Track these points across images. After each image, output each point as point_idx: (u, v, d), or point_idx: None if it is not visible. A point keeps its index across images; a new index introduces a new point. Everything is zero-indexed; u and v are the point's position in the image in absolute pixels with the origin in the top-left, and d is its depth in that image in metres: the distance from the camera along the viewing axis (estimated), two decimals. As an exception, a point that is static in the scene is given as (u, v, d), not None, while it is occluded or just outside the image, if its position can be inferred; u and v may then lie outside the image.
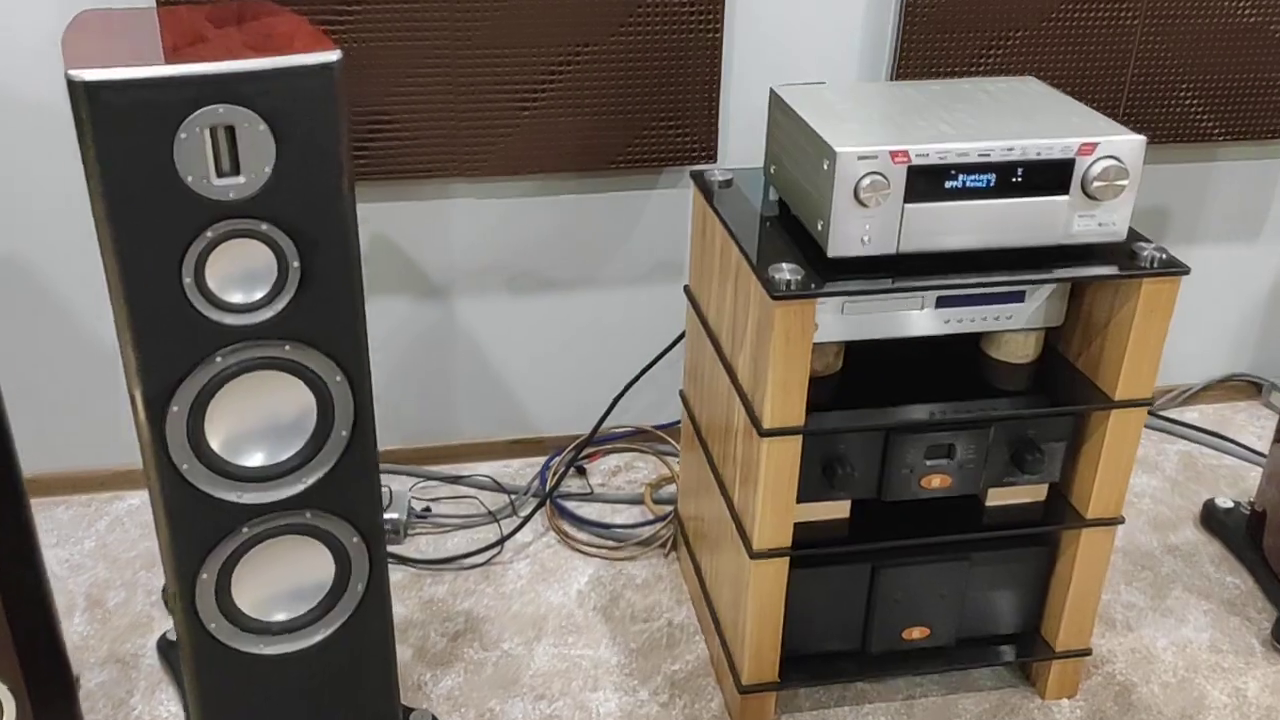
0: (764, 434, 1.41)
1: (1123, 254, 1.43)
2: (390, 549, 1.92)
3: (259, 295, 1.17)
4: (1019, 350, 1.56)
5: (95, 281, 1.93)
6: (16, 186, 1.85)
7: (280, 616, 1.34)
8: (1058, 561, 1.63)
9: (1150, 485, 2.17)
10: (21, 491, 1.39)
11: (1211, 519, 2.04)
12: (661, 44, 1.89)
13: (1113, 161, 1.36)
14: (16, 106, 1.80)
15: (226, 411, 1.22)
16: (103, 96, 1.04)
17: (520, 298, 2.09)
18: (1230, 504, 2.04)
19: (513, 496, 2.08)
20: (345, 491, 1.31)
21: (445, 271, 2.04)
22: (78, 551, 1.94)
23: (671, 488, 2.13)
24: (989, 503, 1.59)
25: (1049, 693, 1.69)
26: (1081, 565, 1.60)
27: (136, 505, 2.06)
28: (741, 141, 2.03)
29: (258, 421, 1.24)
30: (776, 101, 1.53)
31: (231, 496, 1.25)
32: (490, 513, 2.03)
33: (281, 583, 1.33)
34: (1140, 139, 1.37)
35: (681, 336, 1.86)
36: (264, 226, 1.14)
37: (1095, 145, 1.36)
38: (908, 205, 1.36)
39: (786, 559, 1.51)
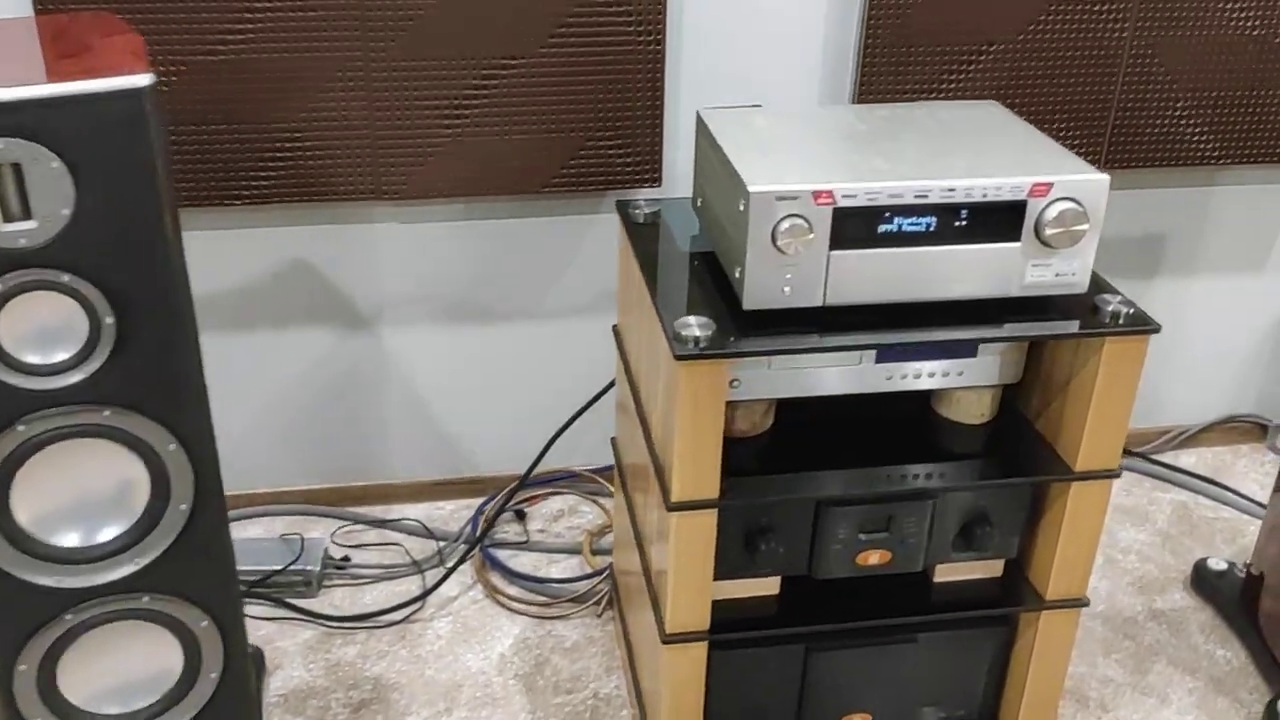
0: (672, 508, 1.25)
1: (1084, 308, 1.26)
2: (300, 604, 1.77)
3: (65, 355, 1.02)
4: (972, 410, 1.39)
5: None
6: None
7: (116, 710, 1.19)
8: (1016, 643, 1.46)
9: (1138, 540, 2.00)
10: None
11: (1203, 582, 1.86)
12: (596, 58, 1.73)
13: (1070, 204, 1.19)
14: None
15: (39, 486, 1.07)
16: None
17: (454, 329, 1.94)
18: (1223, 565, 1.86)
19: (441, 544, 1.93)
20: (190, 572, 1.16)
21: (371, 300, 1.89)
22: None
23: (612, 537, 1.98)
24: (937, 579, 1.42)
25: (1009, 784, 1.53)
26: (1043, 649, 1.42)
27: None
28: (690, 166, 1.87)
29: (78, 496, 1.09)
30: (701, 127, 1.37)
31: (48, 581, 1.10)
32: (415, 562, 1.88)
33: (120, 673, 1.18)
34: (1103, 178, 1.19)
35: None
36: (65, 278, 0.99)
37: (1049, 186, 1.19)
38: (834, 253, 1.19)
39: (705, 643, 1.35)
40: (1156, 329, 1.21)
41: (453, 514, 2.02)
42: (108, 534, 1.11)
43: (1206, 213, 2.07)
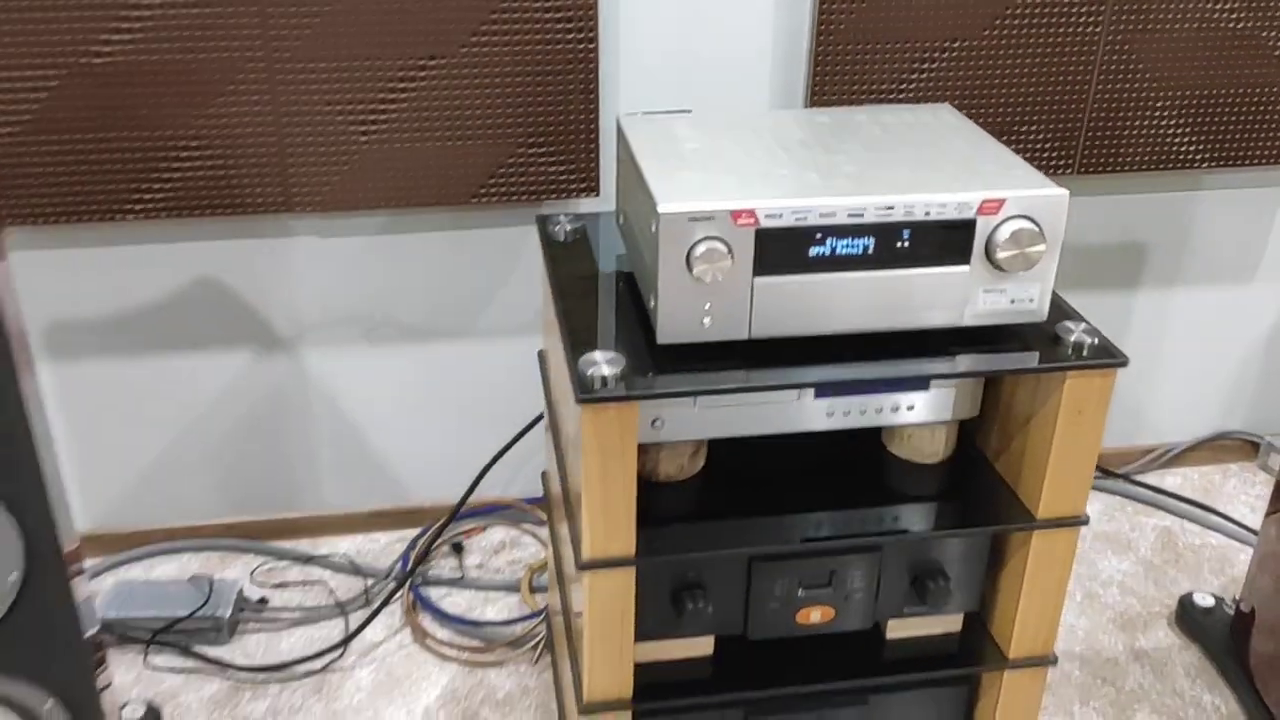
0: (583, 566, 1.12)
1: (1045, 338, 1.12)
2: (209, 653, 1.64)
3: None
4: (926, 447, 1.25)
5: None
6: None
7: (-51, 803, 1.06)
8: (978, 703, 1.33)
9: (1121, 570, 1.86)
10: None
11: (1189, 619, 1.73)
12: (524, 56, 1.59)
13: (1024, 223, 1.05)
14: None
15: None
16: None
17: (382, 349, 1.80)
18: (1210, 601, 1.73)
19: (368, 582, 1.80)
20: (28, 648, 1.03)
21: (290, 320, 1.76)
22: None
23: (561, 568, 1.85)
24: (890, 635, 1.28)
25: None
26: (1007, 710, 1.29)
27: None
28: (634, 170, 1.73)
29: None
30: (620, 135, 1.24)
31: None
32: (339, 604, 1.75)
33: (-47, 759, 1.06)
34: (1061, 193, 1.06)
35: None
36: None
37: (1001, 202, 1.05)
38: (759, 280, 1.05)
39: (628, 712, 1.21)
40: (1123, 362, 1.08)
41: (387, 547, 1.89)
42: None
43: (1191, 219, 1.94)
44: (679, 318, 1.05)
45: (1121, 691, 1.63)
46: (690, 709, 1.24)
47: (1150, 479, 2.07)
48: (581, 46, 1.60)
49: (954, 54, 1.67)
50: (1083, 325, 1.11)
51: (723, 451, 1.27)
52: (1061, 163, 1.78)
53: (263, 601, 1.72)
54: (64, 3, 1.44)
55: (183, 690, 1.59)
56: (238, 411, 1.80)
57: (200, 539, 1.87)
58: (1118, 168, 1.81)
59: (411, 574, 1.77)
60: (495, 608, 1.76)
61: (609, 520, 1.08)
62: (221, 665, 1.62)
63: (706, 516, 1.19)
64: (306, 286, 1.73)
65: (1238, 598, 1.68)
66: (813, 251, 1.05)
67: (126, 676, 1.61)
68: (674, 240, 1.02)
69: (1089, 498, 1.50)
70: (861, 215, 1.04)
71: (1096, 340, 1.09)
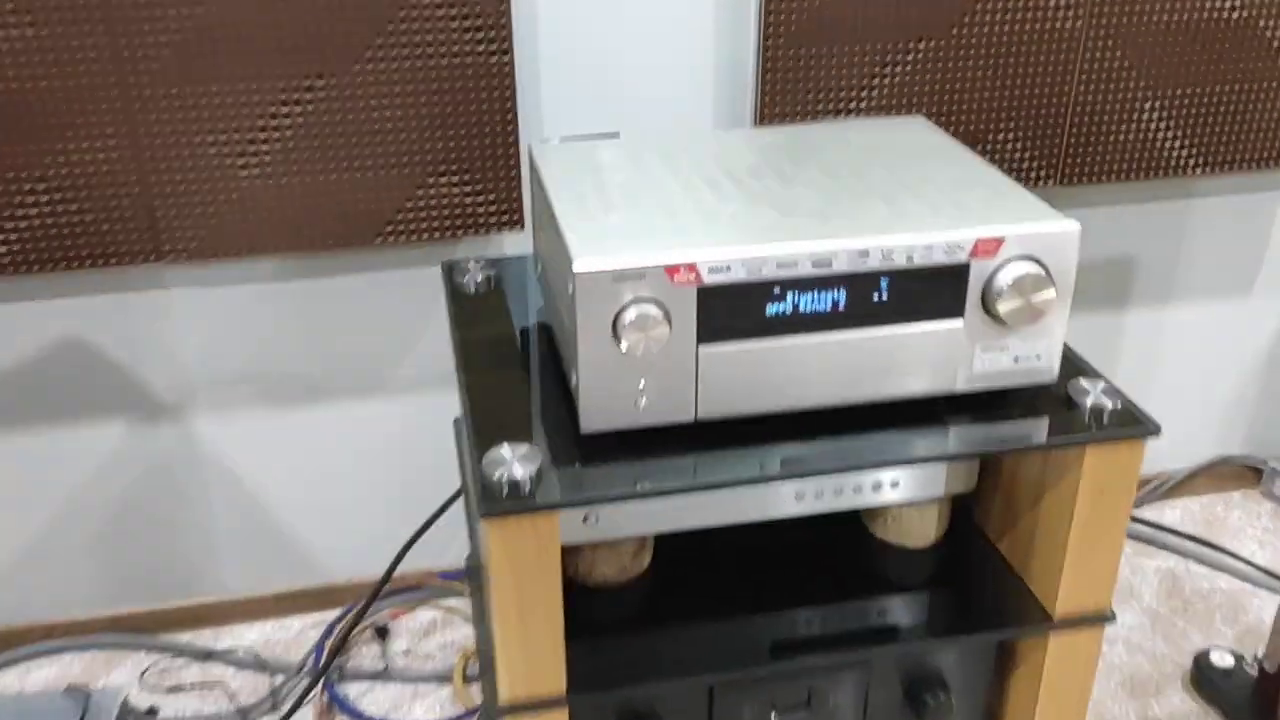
0: (500, 712, 0.90)
1: (1055, 401, 0.93)
2: (86, 778, 1.41)
3: None
4: (914, 530, 1.05)
5: None
6: None
7: None
8: (985, 819, 1.14)
9: (1124, 624, 1.68)
10: None
11: (1206, 681, 1.54)
12: (428, 74, 1.38)
13: (1028, 266, 0.86)
14: None
15: None
16: None
17: (282, 412, 1.58)
18: (1229, 660, 1.55)
19: (277, 680, 1.57)
20: None
21: (174, 383, 1.52)
22: None
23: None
24: (878, 750, 1.09)
25: None
26: (1019, 828, 1.10)
27: None
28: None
29: None
30: (533, 167, 1.03)
31: None
32: (240, 711, 1.52)
33: None
34: (1071, 228, 0.86)
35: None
36: None
37: (999, 241, 0.86)
38: (705, 349, 0.85)
39: None
40: (1154, 430, 0.88)
41: (300, 635, 1.66)
42: None
43: (1182, 229, 1.76)
44: (606, 400, 0.84)
45: (1137, 771, 1.45)
46: None
47: (1148, 513, 1.89)
48: (494, 60, 1.39)
49: (919, 56, 1.48)
50: (1100, 384, 0.92)
51: (672, 545, 1.06)
52: (1042, 174, 1.60)
53: (151, 712, 1.49)
54: None
55: (52, 830, 1.36)
56: (119, 488, 1.57)
57: (83, 636, 1.62)
58: (1103, 177, 1.62)
59: (326, 668, 1.54)
60: (424, 704, 1.54)
61: (530, 656, 0.87)
62: (100, 795, 1.40)
63: (655, 627, 0.98)
64: (189, 344, 1.51)
65: (1259, 656, 1.50)
66: (771, 310, 0.84)
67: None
68: (595, 305, 0.81)
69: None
70: (829, 264, 0.84)
71: (1119, 404, 0.90)
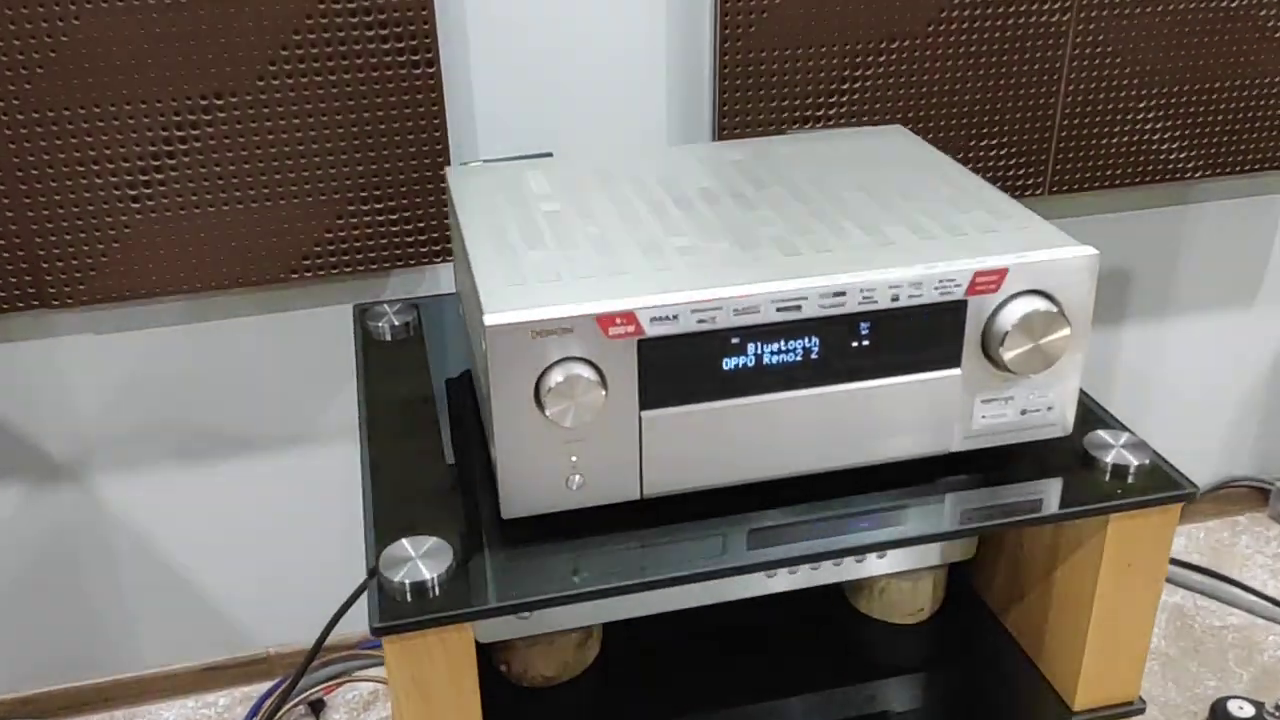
0: None
1: (1069, 457, 0.79)
2: None
3: None
4: (905, 604, 0.91)
5: None
6: None
7: None
8: None
9: (1130, 667, 1.54)
10: None
11: (1224, 734, 1.42)
12: (342, 90, 1.23)
13: (1037, 303, 0.71)
14: None
15: None
16: None
17: (196, 466, 1.41)
18: (1249, 710, 1.41)
19: (198, 769, 1.41)
20: None
21: (72, 441, 1.35)
22: None
23: None
24: None
25: None
26: None
27: None
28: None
29: None
30: (449, 196, 0.88)
31: None
32: (155, 805, 1.37)
33: None
34: (1086, 254, 0.72)
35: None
36: None
37: (1001, 274, 0.71)
38: (649, 415, 0.70)
39: None
40: (1190, 494, 0.75)
41: (226, 711, 1.50)
42: None
43: (1180, 237, 1.63)
44: (531, 480, 0.69)
45: (1155, 842, 1.31)
46: None
47: (1149, 543, 1.76)
48: (418, 73, 1.24)
49: (892, 57, 1.34)
50: (1124, 436, 0.78)
51: (623, 633, 0.91)
52: (1029, 183, 1.46)
53: (53, 813, 1.33)
54: None
55: None
56: (17, 558, 1.40)
57: (-18, 723, 1.46)
58: (1095, 184, 1.49)
59: (252, 755, 1.39)
60: (363, 789, 1.39)
61: (450, 786, 0.73)
62: None
63: (606, 715, 0.84)
64: (86, 397, 1.34)
65: (1282, 705, 1.37)
66: (729, 365, 0.70)
67: None
68: (513, 365, 0.67)
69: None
70: (798, 307, 0.69)
71: (1147, 460, 0.76)
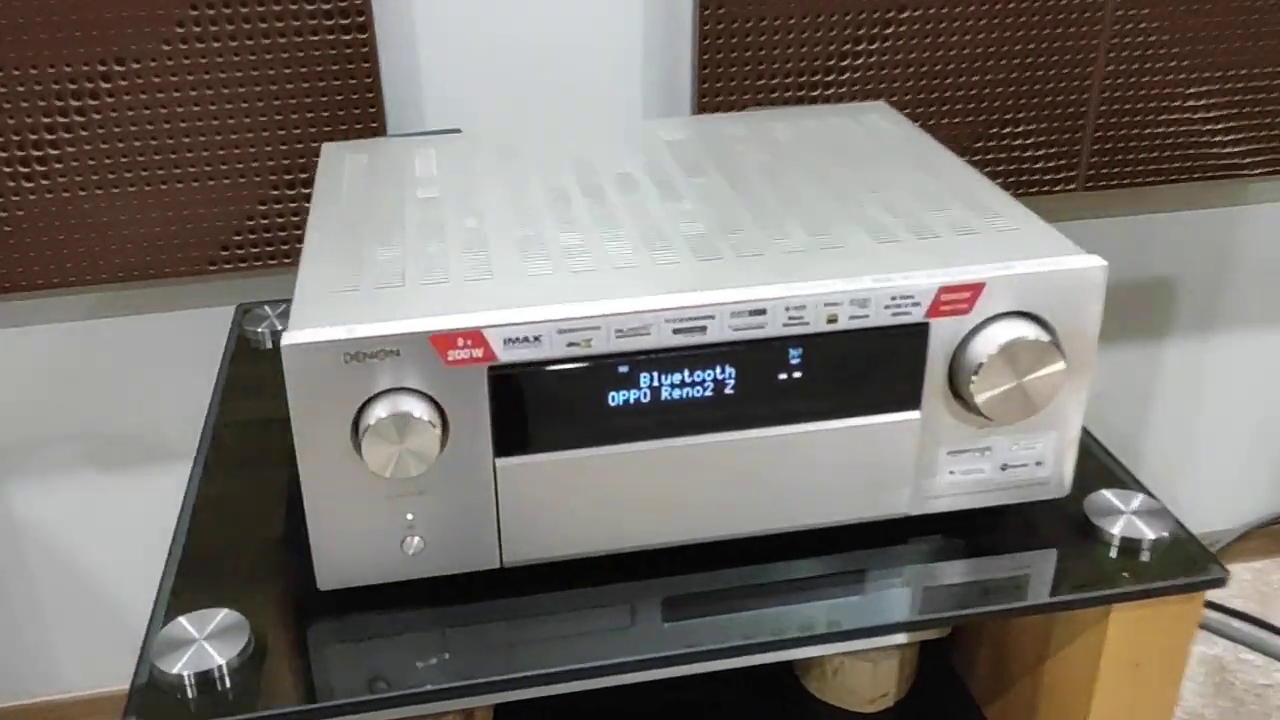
0: None
1: (1065, 523, 0.62)
2: None
3: None
4: (863, 689, 0.75)
5: None
6: None
7: None
8: None
9: (1161, 729, 1.37)
10: None
11: (1266, 814, 1.24)
12: (261, 56, 1.08)
13: (1024, 328, 0.55)
14: None
15: None
16: None
17: (115, 475, 1.26)
18: (1297, 789, 1.24)
19: (109, 809, 1.29)
20: None
21: (-20, 444, 1.24)
22: None
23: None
24: None
25: None
26: None
27: None
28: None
29: None
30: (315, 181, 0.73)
31: None
32: None
33: None
34: (1092, 265, 0.55)
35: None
36: None
37: (976, 289, 0.55)
38: (505, 462, 0.55)
39: None
40: (1219, 580, 0.58)
41: (153, 741, 1.38)
42: None
43: (1233, 243, 1.45)
44: (353, 544, 0.54)
45: None
46: None
47: (1188, 584, 1.58)
48: (349, 38, 1.09)
49: (900, 29, 1.18)
50: (1137, 499, 0.61)
51: (523, 712, 0.76)
52: (1060, 177, 1.29)
53: None
54: None
55: None
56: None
57: (-114, 747, 1.35)
58: (1136, 180, 1.31)
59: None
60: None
61: None
62: None
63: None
64: (-6, 397, 1.22)
65: (1336, 785, 1.20)
66: (615, 400, 0.54)
67: None
68: (321, 398, 0.51)
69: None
70: (703, 328, 0.53)
71: (1166, 533, 0.59)
